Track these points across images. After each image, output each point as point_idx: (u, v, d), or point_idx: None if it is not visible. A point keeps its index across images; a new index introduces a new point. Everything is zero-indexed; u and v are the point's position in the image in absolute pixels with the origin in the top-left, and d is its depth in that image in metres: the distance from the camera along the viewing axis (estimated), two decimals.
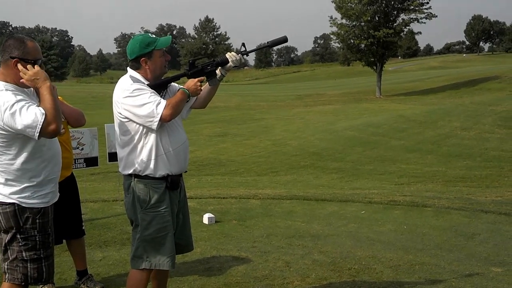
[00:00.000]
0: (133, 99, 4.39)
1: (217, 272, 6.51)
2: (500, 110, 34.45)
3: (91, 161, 9.56)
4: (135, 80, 4.50)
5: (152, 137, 4.51)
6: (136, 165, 4.53)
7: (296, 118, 38.64)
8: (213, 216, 9.10)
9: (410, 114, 35.19)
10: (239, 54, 4.66)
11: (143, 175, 4.54)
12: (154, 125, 4.40)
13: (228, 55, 4.71)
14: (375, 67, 57.26)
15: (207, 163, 23.21)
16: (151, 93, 4.41)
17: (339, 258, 7.12)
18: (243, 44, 4.63)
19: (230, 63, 4.70)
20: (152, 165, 4.53)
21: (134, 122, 4.45)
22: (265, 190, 13.80)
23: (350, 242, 8.01)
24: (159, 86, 4.54)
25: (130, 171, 4.57)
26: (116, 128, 4.61)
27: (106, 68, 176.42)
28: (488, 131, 29.28)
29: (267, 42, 4.67)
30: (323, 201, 11.34)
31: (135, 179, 4.57)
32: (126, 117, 4.46)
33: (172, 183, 4.63)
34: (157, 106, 4.36)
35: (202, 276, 6.38)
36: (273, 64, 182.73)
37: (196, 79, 4.60)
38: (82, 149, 9.33)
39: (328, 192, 13.42)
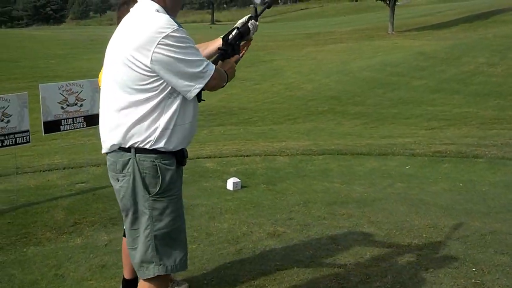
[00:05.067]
0: (181, 50, 3.40)
1: (250, 255, 5.59)
2: None
3: (92, 120, 8.43)
4: (168, 19, 3.47)
5: (177, 102, 3.52)
6: (146, 135, 3.49)
7: (307, 58, 37.49)
8: (238, 180, 8.17)
9: (429, 51, 34.01)
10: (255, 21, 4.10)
11: (151, 148, 3.50)
12: (194, 92, 3.50)
13: (250, 24, 4.06)
14: (388, 1, 55.63)
15: (217, 111, 22.20)
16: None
17: (394, 229, 6.23)
18: (255, 8, 4.16)
19: (251, 35, 4.10)
20: (168, 136, 3.52)
21: (161, 79, 3.43)
22: (289, 143, 12.86)
23: (402, 207, 7.10)
24: None
25: (130, 143, 3.53)
26: (117, 83, 3.52)
27: (106, 9, 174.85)
28: None
29: (265, 3, 4.35)
30: (360, 156, 10.47)
31: (138, 154, 3.53)
32: (151, 71, 3.39)
33: (183, 157, 3.66)
34: (208, 67, 3.51)
35: (233, 261, 5.45)
36: (279, 1, 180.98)
37: (233, 61, 3.91)
38: (82, 105, 8.23)
39: (361, 144, 12.44)
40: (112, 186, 3.74)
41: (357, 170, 9.42)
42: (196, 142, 13.63)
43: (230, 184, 8.08)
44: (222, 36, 3.99)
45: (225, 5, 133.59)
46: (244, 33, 4.03)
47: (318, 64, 34.14)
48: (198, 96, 3.59)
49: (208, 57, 3.92)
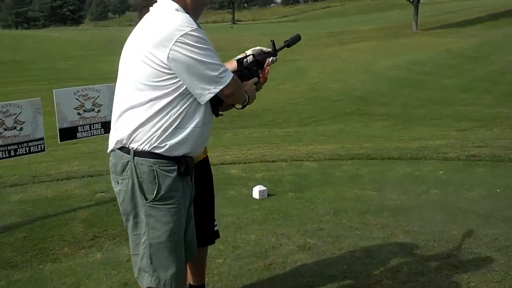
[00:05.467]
0: (199, 51, 3.28)
1: (280, 270, 5.32)
2: None
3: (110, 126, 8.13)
4: (188, 18, 3.36)
5: (186, 105, 3.38)
6: (147, 136, 3.35)
7: (332, 57, 37.20)
8: (264, 188, 7.92)
9: (457, 49, 33.62)
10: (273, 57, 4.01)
11: (151, 152, 3.35)
12: (208, 96, 3.35)
13: (271, 60, 3.99)
14: None
15: (240, 113, 21.92)
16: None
17: (431, 240, 5.95)
18: (273, 42, 4.03)
19: (266, 66, 3.97)
20: (170, 139, 3.37)
21: (176, 77, 3.30)
22: (316, 147, 12.59)
23: (439, 216, 6.81)
24: None
25: (132, 145, 3.39)
26: (131, 81, 3.40)
27: (125, 10, 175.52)
28: None
29: (285, 42, 4.14)
30: (390, 160, 10.18)
31: (136, 157, 3.38)
32: (168, 68, 3.27)
33: (186, 166, 3.45)
34: (225, 72, 3.36)
35: (263, 277, 5.19)
36: (300, 0, 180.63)
37: (252, 83, 3.80)
38: (99, 110, 7.99)
39: (391, 147, 12.14)
40: None
41: (389, 175, 9.13)
42: (220, 146, 13.44)
43: (256, 192, 7.84)
44: (236, 59, 3.90)
45: (245, 5, 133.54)
46: (261, 61, 3.95)
47: (343, 64, 33.86)
48: (215, 110, 3.56)
49: None
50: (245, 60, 3.89)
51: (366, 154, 10.86)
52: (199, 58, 3.25)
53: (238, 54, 3.95)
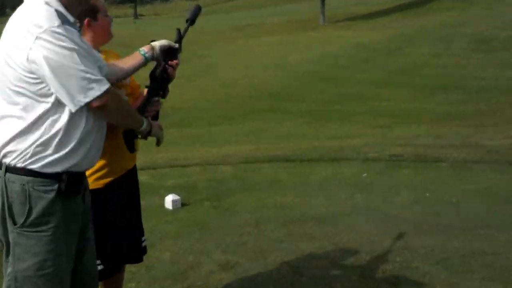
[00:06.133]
0: (63, 51, 2.83)
1: None
2: (471, 32, 33.30)
3: None
4: (52, 13, 2.93)
5: (64, 114, 2.93)
6: (21, 150, 2.91)
7: (241, 52, 36.87)
8: (178, 197, 7.48)
9: (368, 42, 33.88)
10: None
11: (25, 168, 2.91)
12: (77, 104, 2.90)
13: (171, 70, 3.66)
14: None
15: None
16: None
17: (363, 253, 5.65)
18: (179, 31, 3.76)
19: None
20: (49, 153, 2.93)
21: (44, 83, 2.86)
22: (231, 148, 12.28)
23: (368, 224, 6.53)
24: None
25: (4, 159, 2.95)
26: (4, 86, 2.97)
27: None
28: (463, 56, 28.14)
29: (187, 21, 3.83)
30: (311, 162, 9.90)
31: (8, 174, 2.93)
32: (30, 71, 2.85)
33: (70, 184, 2.99)
34: (95, 83, 2.89)
35: None
36: None
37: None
38: None
39: (309, 147, 11.91)
40: None
41: (310, 179, 8.85)
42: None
43: (168, 202, 7.41)
44: (150, 73, 3.65)
45: None
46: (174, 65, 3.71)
47: (254, 58, 33.63)
48: (129, 144, 3.50)
49: (133, 72, 3.54)
50: (157, 71, 3.61)
51: (285, 155, 10.58)
52: (61, 60, 2.81)
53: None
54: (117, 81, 3.44)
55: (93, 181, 3.68)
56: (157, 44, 3.54)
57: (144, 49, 3.49)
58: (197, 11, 3.83)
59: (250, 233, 6.37)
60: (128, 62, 3.48)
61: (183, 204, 7.47)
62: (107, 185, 3.81)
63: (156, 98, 3.64)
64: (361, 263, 5.42)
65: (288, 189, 8.27)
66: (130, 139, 3.48)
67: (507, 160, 9.45)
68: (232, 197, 7.89)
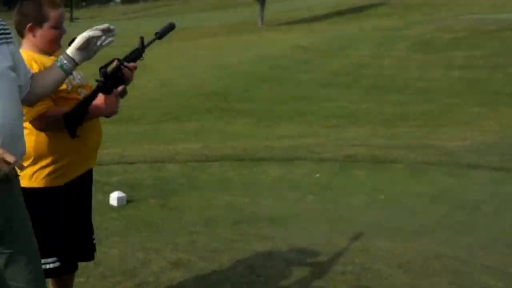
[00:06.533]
0: None
1: None
2: (412, 35, 33.52)
3: None
4: None
5: None
6: None
7: (176, 53, 36.41)
8: (123, 194, 7.30)
9: (307, 44, 33.76)
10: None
11: None
12: None
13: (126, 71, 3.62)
14: None
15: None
16: None
17: (320, 254, 5.51)
18: (142, 40, 3.69)
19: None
20: None
21: None
22: (178, 146, 12.07)
23: (322, 226, 6.47)
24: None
25: None
26: None
27: None
28: (405, 58, 28.32)
29: (156, 34, 3.76)
30: (261, 161, 9.75)
31: None
32: None
33: None
34: None
35: None
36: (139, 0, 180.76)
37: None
38: None
39: (259, 146, 11.77)
40: None
41: (260, 179, 8.73)
42: None
43: (114, 199, 7.22)
44: (100, 67, 3.52)
45: (83, 3, 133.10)
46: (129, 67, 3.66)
47: (189, 59, 33.40)
48: (71, 129, 3.43)
49: (54, 88, 3.29)
50: (109, 68, 3.53)
51: (234, 154, 10.43)
52: None
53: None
54: (38, 99, 3.25)
55: (54, 179, 3.62)
56: (73, 47, 3.22)
57: (62, 58, 3.21)
58: (168, 28, 3.79)
59: (200, 232, 6.22)
60: (47, 76, 3.24)
61: (128, 201, 7.29)
62: (67, 183, 3.70)
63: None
64: (319, 264, 5.27)
65: (238, 189, 8.15)
66: (72, 123, 3.41)
67: (464, 163, 9.50)
68: (179, 196, 7.74)
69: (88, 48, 3.21)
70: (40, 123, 3.41)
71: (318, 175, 8.82)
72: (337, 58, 29.46)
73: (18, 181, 3.08)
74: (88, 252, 4.08)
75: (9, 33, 2.96)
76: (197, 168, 9.35)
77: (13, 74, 2.87)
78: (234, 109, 20.82)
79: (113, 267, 5.14)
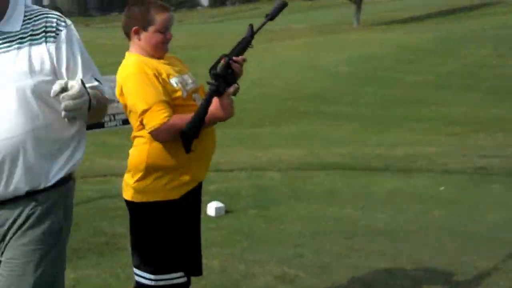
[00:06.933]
0: None
1: None
2: None
3: None
4: None
5: None
6: None
7: (265, 53, 36.61)
8: (222, 205, 7.50)
9: (411, 43, 33.44)
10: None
11: None
12: None
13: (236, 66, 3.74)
14: None
15: None
16: None
17: (453, 274, 5.39)
18: (251, 26, 3.89)
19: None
20: None
21: None
22: (278, 152, 12.09)
23: (453, 243, 6.25)
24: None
25: None
26: None
27: None
28: None
29: (266, 16, 3.88)
30: (374, 171, 9.73)
31: None
32: None
33: None
34: None
35: None
36: (227, 3, 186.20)
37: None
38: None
39: (371, 154, 11.65)
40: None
41: (374, 191, 8.70)
42: None
43: (211, 208, 7.45)
44: (209, 68, 3.70)
45: (172, 8, 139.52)
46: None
47: (280, 59, 33.65)
48: (186, 145, 3.59)
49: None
50: (219, 66, 3.66)
51: (342, 163, 10.49)
52: None
53: None
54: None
55: (169, 191, 3.81)
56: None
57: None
58: (280, 7, 3.88)
59: (307, 246, 6.23)
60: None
61: (226, 212, 7.48)
62: (183, 196, 3.87)
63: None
64: (455, 285, 5.19)
65: (348, 201, 8.15)
66: (188, 138, 3.55)
67: None
68: (281, 206, 7.85)
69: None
70: (162, 133, 3.59)
71: (443, 187, 8.63)
72: (449, 58, 29.14)
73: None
74: (198, 266, 4.27)
75: (54, 31, 2.89)
76: (300, 177, 9.43)
77: (28, 80, 2.78)
78: (336, 113, 20.95)
79: (215, 280, 5.28)
